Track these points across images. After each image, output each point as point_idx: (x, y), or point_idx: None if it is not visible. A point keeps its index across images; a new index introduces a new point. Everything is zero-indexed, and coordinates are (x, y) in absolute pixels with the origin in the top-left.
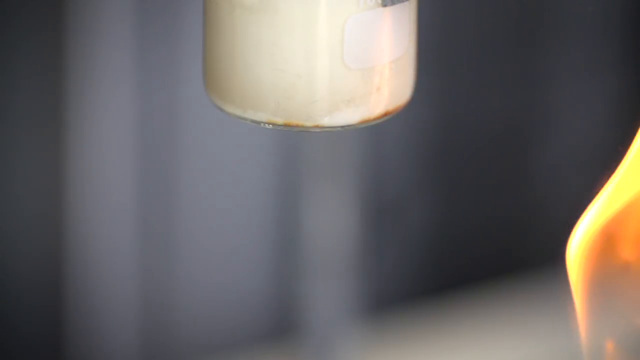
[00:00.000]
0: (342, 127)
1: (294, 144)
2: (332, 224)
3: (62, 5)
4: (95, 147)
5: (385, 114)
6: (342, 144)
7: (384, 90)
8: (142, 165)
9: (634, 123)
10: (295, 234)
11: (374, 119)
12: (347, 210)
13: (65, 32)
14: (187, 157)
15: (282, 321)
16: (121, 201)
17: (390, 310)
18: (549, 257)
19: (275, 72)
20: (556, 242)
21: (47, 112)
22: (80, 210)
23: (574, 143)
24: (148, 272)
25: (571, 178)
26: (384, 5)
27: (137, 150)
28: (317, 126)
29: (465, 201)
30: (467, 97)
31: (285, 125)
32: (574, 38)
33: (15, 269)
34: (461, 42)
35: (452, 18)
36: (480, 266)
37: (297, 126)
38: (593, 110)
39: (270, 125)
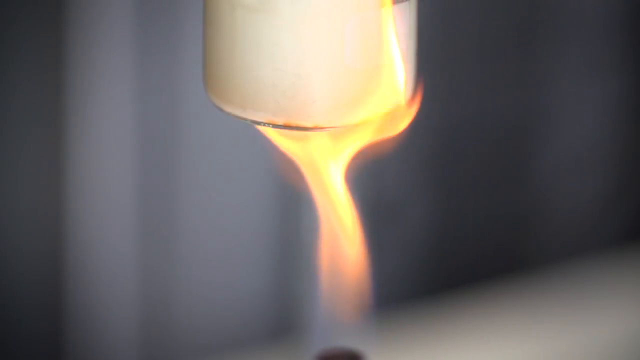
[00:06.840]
0: (342, 127)
1: None
2: None
3: (62, 5)
4: (95, 147)
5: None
6: None
7: (384, 90)
8: (142, 165)
9: (634, 123)
10: (295, 234)
11: (374, 119)
12: None
13: (65, 32)
14: (187, 157)
15: (282, 321)
16: (121, 201)
17: (390, 310)
18: (549, 257)
19: (275, 72)
20: (556, 241)
21: (47, 112)
22: (80, 210)
23: (574, 143)
24: (148, 272)
25: (571, 178)
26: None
27: (137, 150)
28: (317, 126)
29: (466, 201)
30: (467, 98)
31: (285, 125)
32: (574, 38)
33: (15, 268)
34: (461, 42)
35: (453, 18)
36: (480, 266)
37: (297, 126)
38: (593, 110)
39: (270, 125)
